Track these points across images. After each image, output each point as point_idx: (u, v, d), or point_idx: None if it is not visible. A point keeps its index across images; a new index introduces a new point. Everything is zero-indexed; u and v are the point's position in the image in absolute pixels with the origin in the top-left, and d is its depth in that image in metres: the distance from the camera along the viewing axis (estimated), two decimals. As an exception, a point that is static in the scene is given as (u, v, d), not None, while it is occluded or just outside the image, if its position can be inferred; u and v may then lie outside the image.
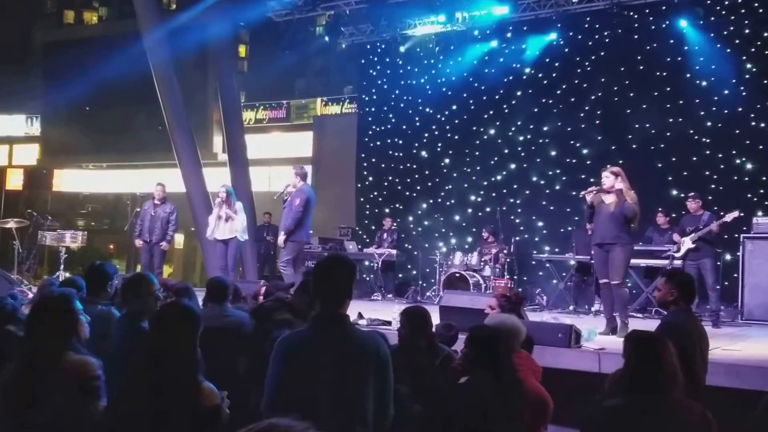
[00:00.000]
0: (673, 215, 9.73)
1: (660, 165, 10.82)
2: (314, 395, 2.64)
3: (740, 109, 10.39)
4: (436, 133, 13.11)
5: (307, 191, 8.55)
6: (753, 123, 10.33)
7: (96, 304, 4.23)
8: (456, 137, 12.89)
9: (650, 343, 2.88)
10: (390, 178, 13.65)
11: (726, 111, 10.46)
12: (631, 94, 11.19)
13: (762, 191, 10.08)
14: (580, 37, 11.80)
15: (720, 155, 10.49)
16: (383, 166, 13.75)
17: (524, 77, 12.25)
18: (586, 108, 11.57)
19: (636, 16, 11.30)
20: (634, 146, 11.04)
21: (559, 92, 11.84)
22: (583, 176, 11.29)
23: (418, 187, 13.28)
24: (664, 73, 10.95)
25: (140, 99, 14.65)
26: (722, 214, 8.50)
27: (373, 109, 14.09)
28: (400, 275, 12.67)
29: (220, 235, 9.13)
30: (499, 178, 12.39)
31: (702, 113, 10.61)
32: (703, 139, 10.62)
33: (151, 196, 10.18)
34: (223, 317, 4.71)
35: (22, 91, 20.18)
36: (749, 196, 10.02)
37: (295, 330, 2.83)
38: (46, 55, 18.80)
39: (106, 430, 2.63)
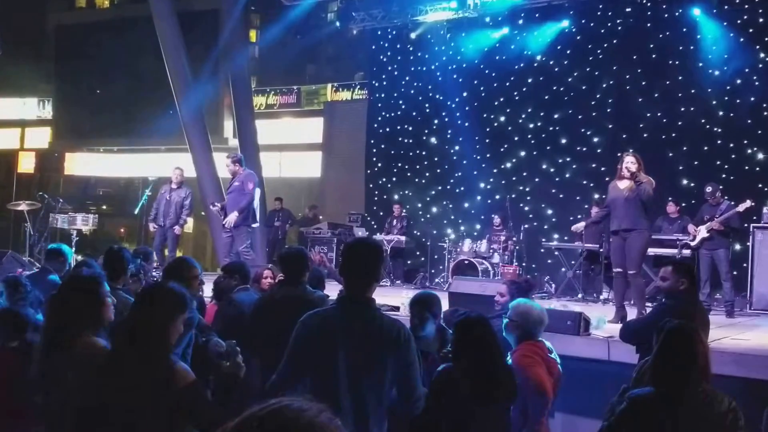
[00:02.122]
0: (683, 204, 9.72)
1: (671, 154, 10.79)
2: (331, 374, 2.70)
3: (752, 99, 10.32)
4: (446, 119, 13.10)
5: (255, 174, 8.74)
6: (765, 113, 10.27)
7: (115, 289, 4.25)
8: (466, 124, 12.87)
9: (683, 334, 2.87)
10: (400, 164, 13.66)
11: (738, 101, 10.40)
12: (643, 83, 11.13)
13: (773, 181, 10.05)
14: (592, 24, 11.73)
15: (731, 145, 10.44)
16: (393, 152, 13.75)
17: (535, 64, 12.20)
18: (598, 96, 11.53)
19: (649, 4, 11.22)
20: (645, 135, 11.00)
21: (570, 80, 11.78)
22: (593, 165, 11.29)
23: (428, 174, 13.29)
24: (677, 62, 10.88)
25: (152, 83, 14.68)
26: (731, 203, 8.51)
27: (383, 96, 14.08)
28: (409, 262, 12.71)
29: None
30: (508, 165, 12.38)
31: (714, 102, 10.55)
32: (715, 129, 10.57)
33: (169, 180, 10.18)
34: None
35: (34, 75, 20.23)
36: (760, 186, 9.98)
37: (317, 311, 2.87)
38: (58, 39, 18.84)
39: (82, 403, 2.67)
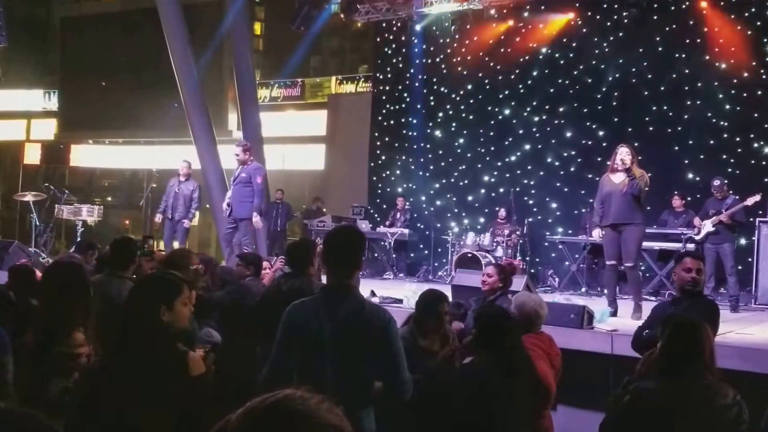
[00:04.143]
0: (689, 198, 9.68)
1: (677, 148, 10.73)
2: (318, 363, 2.72)
3: (759, 93, 10.26)
4: (451, 112, 13.05)
5: (263, 167, 8.68)
6: (772, 106, 10.21)
7: (123, 278, 4.26)
8: (470, 117, 12.83)
9: (690, 327, 2.86)
10: (403, 157, 13.63)
11: (745, 94, 10.34)
12: (649, 76, 11.06)
13: (780, 175, 9.99)
14: (598, 17, 11.65)
15: (738, 139, 10.38)
16: (397, 145, 13.72)
17: (540, 57, 12.13)
18: (603, 89, 11.46)
19: (655, -4, 11.15)
20: (650, 128, 10.94)
21: (575, 73, 11.73)
22: (599, 158, 11.21)
23: (432, 167, 13.26)
24: (683, 55, 10.81)
25: (157, 75, 14.66)
26: (736, 197, 8.48)
27: (387, 88, 14.04)
28: (412, 255, 12.70)
29: None
30: (513, 158, 12.33)
31: (720, 96, 10.49)
32: (721, 123, 10.51)
33: (177, 172, 10.18)
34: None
35: (39, 66, 20.28)
36: (766, 180, 9.93)
37: (301, 300, 2.89)
38: (63, 31, 18.84)
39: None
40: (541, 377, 3.63)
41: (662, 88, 10.93)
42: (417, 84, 13.49)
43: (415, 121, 13.52)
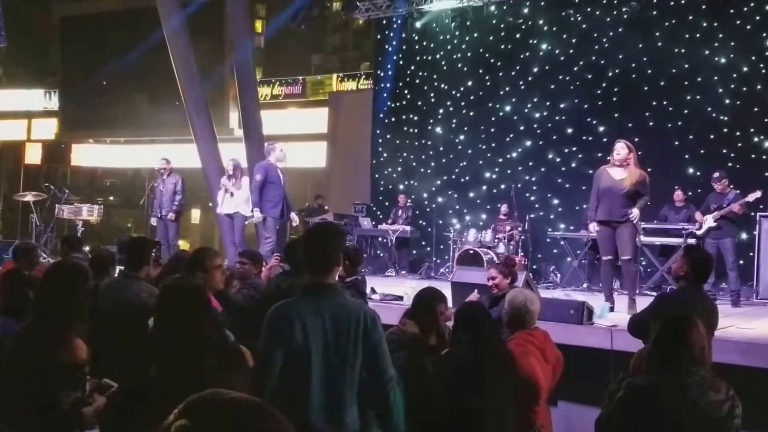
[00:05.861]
0: (689, 193, 9.68)
1: (677, 143, 10.73)
2: (304, 363, 2.72)
3: (759, 87, 10.24)
4: (451, 109, 13.06)
5: (265, 165, 8.68)
6: (772, 101, 10.18)
7: (137, 279, 4.23)
8: (471, 114, 12.84)
9: (679, 321, 2.87)
10: (405, 154, 13.63)
11: (745, 88, 10.32)
12: (649, 71, 11.05)
13: (780, 170, 9.98)
14: (598, 12, 11.64)
15: (738, 133, 10.37)
16: (398, 142, 13.72)
17: (541, 53, 12.12)
18: (603, 85, 11.46)
19: (655, -8, 11.13)
20: (651, 124, 10.95)
21: (576, 69, 11.71)
22: (599, 154, 11.19)
23: (433, 164, 13.26)
24: (683, 50, 10.80)
25: (157, 74, 14.68)
26: (738, 192, 8.47)
27: (388, 85, 14.04)
28: (414, 252, 12.72)
29: (226, 209, 9.22)
30: (514, 155, 12.34)
31: (720, 90, 10.47)
32: (721, 117, 10.50)
33: (160, 172, 10.29)
34: None
35: (39, 66, 20.29)
36: (767, 174, 9.92)
37: (283, 302, 2.88)
38: (64, 30, 18.84)
39: None
40: (527, 373, 3.62)
41: (662, 83, 10.93)
42: (417, 81, 13.50)
43: (416, 118, 13.53)
